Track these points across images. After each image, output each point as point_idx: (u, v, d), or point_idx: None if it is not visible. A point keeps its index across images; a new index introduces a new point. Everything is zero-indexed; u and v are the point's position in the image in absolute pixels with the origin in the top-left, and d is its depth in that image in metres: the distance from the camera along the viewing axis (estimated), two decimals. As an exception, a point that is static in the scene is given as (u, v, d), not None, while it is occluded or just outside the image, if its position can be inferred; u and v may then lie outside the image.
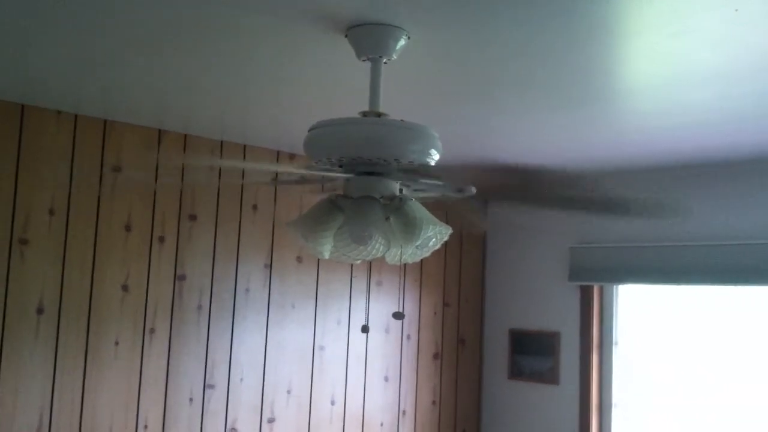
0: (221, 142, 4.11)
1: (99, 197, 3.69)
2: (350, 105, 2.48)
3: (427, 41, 2.41)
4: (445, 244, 2.30)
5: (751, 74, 2.65)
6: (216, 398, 4.05)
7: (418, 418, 5.00)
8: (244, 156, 4.19)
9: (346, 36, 2.34)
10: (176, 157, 3.95)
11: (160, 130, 3.89)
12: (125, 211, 3.77)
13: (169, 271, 3.91)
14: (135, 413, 3.77)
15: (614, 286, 4.87)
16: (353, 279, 4.66)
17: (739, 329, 4.36)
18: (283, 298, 4.34)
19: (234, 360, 4.13)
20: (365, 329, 2.77)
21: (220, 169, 4.11)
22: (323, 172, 2.28)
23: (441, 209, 2.50)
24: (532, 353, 5.11)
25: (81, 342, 3.61)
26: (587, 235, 4.87)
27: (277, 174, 3.01)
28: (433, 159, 2.21)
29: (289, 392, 4.35)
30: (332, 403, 4.54)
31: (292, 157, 4.39)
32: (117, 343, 3.72)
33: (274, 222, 4.31)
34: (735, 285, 4.25)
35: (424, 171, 2.23)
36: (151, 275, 3.84)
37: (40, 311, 3.49)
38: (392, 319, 4.84)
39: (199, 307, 4.01)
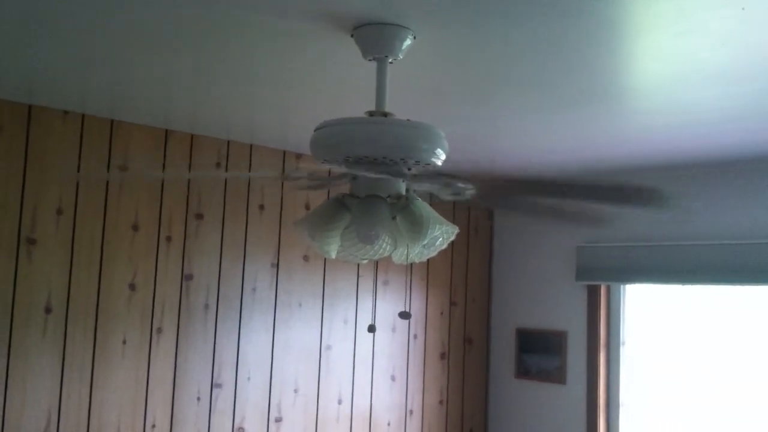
0: (228, 141, 4.11)
1: (106, 196, 3.70)
2: (356, 105, 2.48)
3: (432, 41, 2.41)
4: (452, 244, 2.30)
5: (757, 73, 2.64)
6: (223, 397, 4.06)
7: (425, 417, 5.00)
8: (251, 156, 4.19)
9: (352, 36, 2.34)
10: (183, 157, 3.96)
11: (166, 130, 3.90)
12: (132, 211, 3.78)
13: (176, 270, 3.92)
14: (142, 412, 3.78)
15: (621, 286, 4.87)
16: (360, 278, 4.66)
17: (747, 329, 4.35)
18: (290, 298, 4.35)
19: (241, 359, 4.14)
20: (372, 329, 2.78)
21: (227, 168, 4.11)
22: (330, 172, 2.29)
23: (446, 209, 2.50)
24: (539, 352, 5.11)
25: (88, 341, 3.63)
26: (594, 235, 4.86)
27: (283, 173, 3.02)
28: (439, 158, 2.21)
29: (296, 391, 4.35)
30: (339, 402, 4.55)
31: (298, 156, 4.39)
32: (124, 342, 3.73)
33: (280, 221, 4.32)
34: (743, 285, 4.23)
35: (431, 170, 2.23)
36: (158, 274, 3.85)
37: (47, 310, 3.51)
38: (399, 319, 4.84)
39: (206, 306, 4.02)
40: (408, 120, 2.17)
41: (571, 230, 4.93)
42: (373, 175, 2.22)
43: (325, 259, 4.47)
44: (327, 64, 2.71)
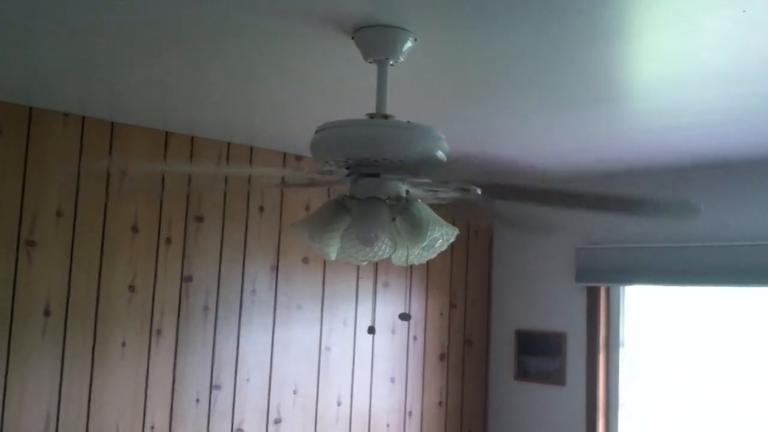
0: (228, 144, 4.11)
1: (106, 199, 3.70)
2: (357, 106, 2.48)
3: (433, 43, 2.41)
4: (452, 245, 2.30)
5: (758, 74, 2.65)
6: (222, 399, 4.06)
7: (425, 418, 5.00)
8: (251, 158, 4.20)
9: (352, 38, 2.34)
10: (183, 159, 3.96)
11: (166, 132, 3.90)
12: (132, 213, 3.78)
13: (175, 272, 3.92)
14: (142, 414, 3.77)
15: (621, 287, 4.87)
16: (359, 280, 4.66)
17: (747, 330, 4.35)
18: (290, 299, 4.35)
19: (240, 361, 4.14)
20: (371, 330, 2.78)
21: (227, 171, 4.12)
22: (330, 174, 2.29)
23: (447, 209, 2.51)
24: (539, 354, 5.10)
25: (88, 343, 3.62)
26: (594, 236, 4.87)
27: (284, 175, 3.02)
28: (439, 160, 2.21)
29: (295, 393, 4.35)
30: (338, 403, 4.54)
31: (299, 158, 4.40)
32: (124, 344, 3.73)
33: (280, 223, 4.32)
34: (742, 286, 4.23)
35: (430, 172, 2.24)
36: (158, 276, 3.85)
37: (47, 313, 3.50)
38: (398, 320, 4.84)
39: (206, 308, 4.02)
40: (408, 122, 2.17)
41: (571, 231, 4.93)
42: (373, 177, 2.22)
43: (324, 261, 4.47)
44: (327, 66, 2.71)
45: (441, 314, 5.13)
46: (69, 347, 3.56)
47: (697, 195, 4.42)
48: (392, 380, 4.82)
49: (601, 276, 4.82)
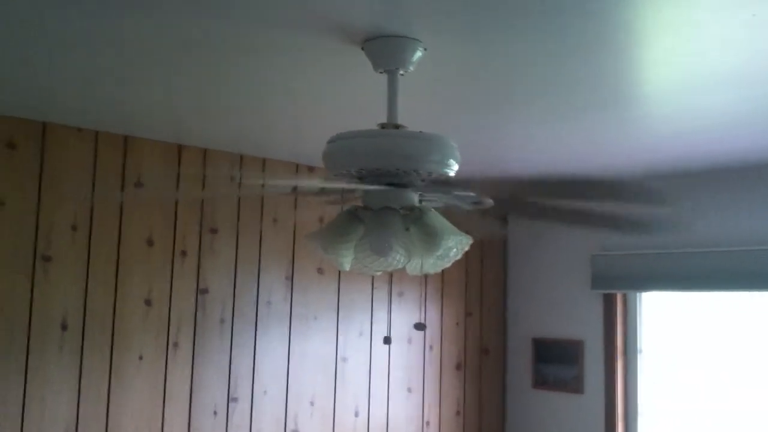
0: (240, 156, 4.13)
1: (121, 212, 3.72)
2: (368, 117, 2.48)
3: (442, 52, 2.41)
4: (466, 254, 2.29)
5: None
6: (240, 411, 4.06)
7: (443, 429, 4.98)
8: (264, 169, 4.20)
9: (362, 48, 2.34)
10: (197, 171, 3.98)
11: (179, 145, 3.92)
12: (147, 226, 3.80)
13: (191, 285, 3.93)
14: (159, 427, 3.78)
15: (638, 294, 4.84)
16: (374, 290, 4.66)
17: (765, 335, 4.31)
18: (305, 310, 4.35)
19: (257, 372, 4.14)
20: (387, 340, 2.77)
21: (240, 182, 4.13)
22: (343, 184, 2.29)
23: (459, 220, 2.50)
24: (556, 362, 5.08)
25: (105, 357, 3.64)
26: (608, 243, 4.84)
27: (297, 186, 3.03)
28: (452, 169, 2.21)
29: (312, 404, 4.35)
30: (356, 414, 4.54)
31: (311, 169, 4.40)
32: (141, 358, 3.74)
33: (294, 234, 4.33)
34: (760, 291, 4.20)
35: (444, 181, 2.24)
36: (173, 289, 3.86)
37: (64, 327, 3.52)
38: (414, 330, 4.83)
39: (222, 320, 4.03)
40: (420, 132, 2.17)
41: (585, 238, 4.91)
42: (386, 187, 2.22)
43: (339, 271, 4.46)
44: (338, 77, 2.71)
45: (457, 323, 5.11)
46: (86, 361, 3.58)
47: (712, 198, 4.39)
48: (409, 390, 4.81)
49: (616, 283, 4.79)
